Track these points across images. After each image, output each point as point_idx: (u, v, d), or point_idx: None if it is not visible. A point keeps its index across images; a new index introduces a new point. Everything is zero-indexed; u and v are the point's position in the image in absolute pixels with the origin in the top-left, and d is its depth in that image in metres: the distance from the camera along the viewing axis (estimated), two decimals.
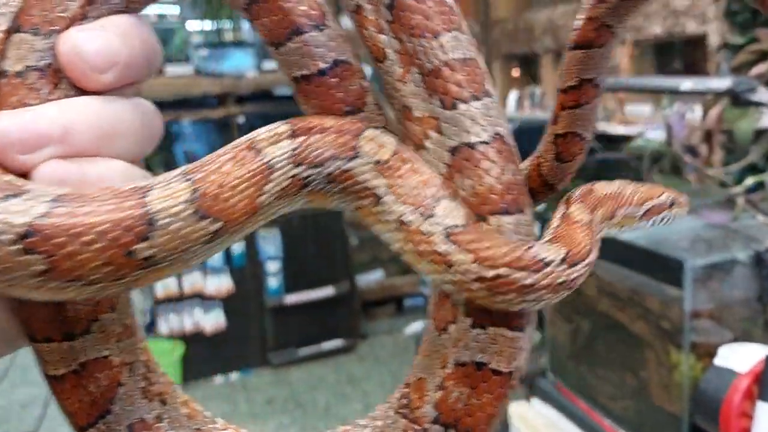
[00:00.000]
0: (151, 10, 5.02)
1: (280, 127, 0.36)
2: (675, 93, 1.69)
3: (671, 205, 0.44)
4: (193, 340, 3.84)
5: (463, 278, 0.36)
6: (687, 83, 1.51)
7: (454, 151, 0.37)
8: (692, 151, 1.77)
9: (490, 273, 0.35)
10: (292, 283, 4.05)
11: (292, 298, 4.05)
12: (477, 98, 0.37)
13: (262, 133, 0.36)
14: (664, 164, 1.84)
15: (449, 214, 0.36)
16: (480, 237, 0.36)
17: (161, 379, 0.42)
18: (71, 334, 0.37)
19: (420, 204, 0.36)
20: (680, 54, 3.53)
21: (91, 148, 0.34)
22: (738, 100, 1.40)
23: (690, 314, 1.41)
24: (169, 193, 0.33)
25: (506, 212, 0.37)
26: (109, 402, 0.39)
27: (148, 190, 0.33)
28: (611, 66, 3.42)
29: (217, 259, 3.91)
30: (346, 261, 4.24)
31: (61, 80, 0.35)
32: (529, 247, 0.36)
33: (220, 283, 3.93)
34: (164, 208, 0.33)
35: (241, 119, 4.23)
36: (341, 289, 4.14)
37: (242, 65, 4.29)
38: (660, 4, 3.18)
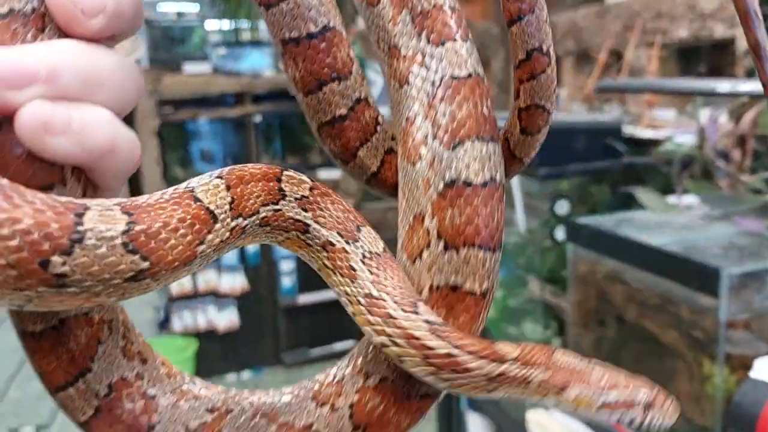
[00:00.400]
0: (171, 8, 5.03)
1: (214, 180, 0.37)
2: (711, 95, 1.64)
3: (647, 407, 0.40)
4: (207, 338, 3.83)
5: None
6: (724, 85, 1.46)
7: (437, 82, 0.40)
8: (725, 156, 1.72)
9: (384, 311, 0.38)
10: (305, 283, 4.03)
11: (305, 298, 4.03)
12: (464, 40, 0.40)
13: (200, 185, 0.36)
14: (695, 169, 1.80)
15: (370, 241, 0.40)
16: (392, 273, 0.39)
17: (139, 339, 0.41)
18: None
19: (344, 230, 0.40)
20: (705, 58, 3.47)
21: (77, 93, 0.33)
22: None
23: (725, 324, 1.36)
24: (107, 218, 0.32)
25: (481, 138, 0.40)
26: (90, 360, 0.38)
27: (87, 209, 0.32)
28: (638, 68, 3.36)
29: (231, 257, 3.90)
30: None
31: (47, 26, 0.34)
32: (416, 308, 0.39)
33: (235, 282, 3.91)
34: (96, 229, 0.31)
35: (257, 118, 4.22)
36: None
37: (259, 64, 4.28)
38: (687, 7, 3.12)
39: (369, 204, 4.28)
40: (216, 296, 3.90)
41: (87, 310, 0.38)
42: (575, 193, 2.17)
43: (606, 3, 3.61)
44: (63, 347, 0.38)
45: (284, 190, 0.39)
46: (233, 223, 0.36)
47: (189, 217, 0.34)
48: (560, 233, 2.04)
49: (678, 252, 1.47)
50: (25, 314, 0.37)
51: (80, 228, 0.30)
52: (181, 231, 0.34)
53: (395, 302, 0.38)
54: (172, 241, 0.33)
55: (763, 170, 1.69)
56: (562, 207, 2.06)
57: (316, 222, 0.40)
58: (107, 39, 0.35)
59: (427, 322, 0.38)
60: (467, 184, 0.39)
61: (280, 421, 0.41)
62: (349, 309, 0.40)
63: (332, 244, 0.40)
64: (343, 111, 0.43)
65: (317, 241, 0.40)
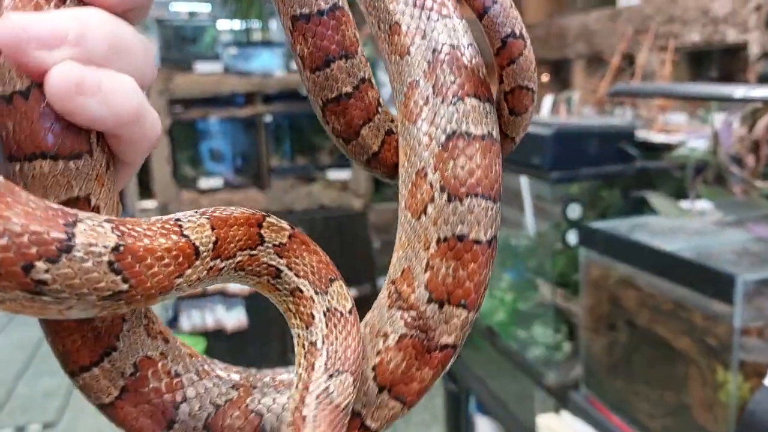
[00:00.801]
0: (183, 8, 5.05)
1: (201, 219, 0.37)
2: (726, 101, 1.63)
3: None
4: (215, 338, 3.84)
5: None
6: (740, 91, 1.45)
7: (438, 50, 0.43)
8: (738, 161, 1.71)
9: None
10: None
11: None
12: (459, 18, 0.43)
13: (187, 220, 0.37)
14: (708, 175, 1.79)
15: (339, 297, 0.42)
16: (345, 336, 0.41)
17: (159, 320, 0.42)
18: None
19: (316, 280, 0.42)
20: (717, 62, 3.45)
21: (103, 58, 0.34)
22: None
23: (739, 331, 1.35)
24: (99, 233, 0.31)
25: (479, 97, 0.42)
26: (115, 338, 0.38)
27: (79, 220, 0.31)
28: (649, 72, 3.34)
29: None
30: (369, 264, 4.21)
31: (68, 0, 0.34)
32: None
33: None
34: (86, 242, 0.31)
35: (268, 118, 4.22)
36: (363, 292, 4.12)
37: (270, 65, 4.29)
38: (699, 12, 3.11)
39: (378, 205, 4.28)
40: (224, 296, 3.91)
41: None
42: (587, 197, 2.16)
43: (618, 6, 3.59)
44: (88, 324, 0.37)
45: (263, 236, 0.40)
46: (212, 263, 0.37)
47: (175, 248, 0.34)
48: (572, 237, 2.03)
49: (692, 258, 1.46)
50: None
51: (70, 238, 0.30)
52: (165, 260, 0.34)
53: (325, 365, 0.39)
54: (155, 269, 0.33)
55: None
56: (574, 211, 2.05)
57: (289, 268, 0.41)
58: (124, 14, 0.35)
59: (324, 395, 0.38)
60: (467, 134, 0.41)
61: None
62: (296, 349, 0.41)
63: (300, 291, 0.41)
64: (349, 89, 0.44)
65: (287, 286, 0.41)
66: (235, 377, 0.43)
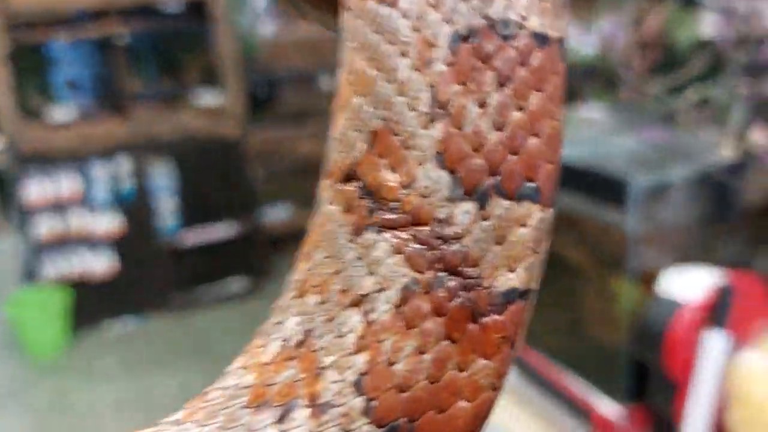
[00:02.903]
0: None
1: None
2: None
3: None
4: (83, 287, 3.49)
5: None
6: None
7: None
8: (628, 64, 1.63)
9: None
10: (190, 221, 3.74)
11: (191, 237, 3.75)
12: None
13: None
14: (598, 79, 1.71)
15: None
16: None
17: None
18: None
19: None
20: None
21: None
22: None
23: (632, 239, 1.29)
24: None
25: None
26: None
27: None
28: None
29: (105, 195, 3.54)
30: (251, 195, 3.96)
31: None
32: None
33: (110, 223, 3.56)
34: None
35: (125, 39, 3.77)
36: (245, 226, 3.88)
37: None
38: None
39: (258, 131, 3.99)
40: (90, 240, 3.55)
41: None
42: None
43: None
44: None
45: None
46: None
47: None
48: None
49: (582, 165, 1.37)
50: None
51: None
52: None
53: None
54: None
55: (666, 78, 1.61)
56: None
57: None
58: None
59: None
60: None
61: None
62: None
63: None
64: None
65: None
66: None
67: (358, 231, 0.21)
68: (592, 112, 1.70)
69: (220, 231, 3.81)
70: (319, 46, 4.07)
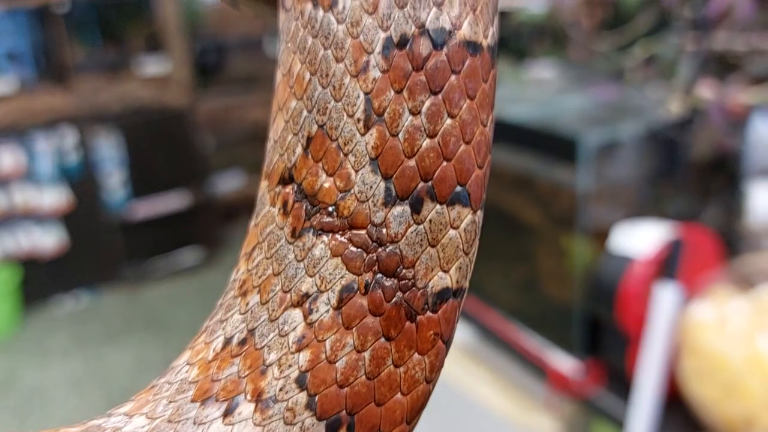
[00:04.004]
0: None
1: None
2: None
3: None
4: (32, 264, 3.39)
5: None
6: None
7: None
8: (576, 22, 1.63)
9: None
10: (140, 193, 3.64)
11: (141, 209, 3.66)
12: None
13: None
14: (547, 38, 1.70)
15: None
16: None
17: None
18: None
19: None
20: None
21: None
22: None
23: (583, 196, 1.30)
24: None
25: None
26: None
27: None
28: None
29: (50, 169, 3.41)
30: (201, 164, 3.87)
31: None
32: None
33: (56, 197, 3.45)
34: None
35: (65, 7, 3.60)
36: (197, 196, 3.80)
37: None
38: None
39: (207, 99, 3.89)
40: (37, 215, 3.43)
41: None
42: None
43: None
44: None
45: None
46: None
47: None
48: None
49: (534, 124, 1.37)
50: None
51: None
52: None
53: None
54: None
55: (614, 36, 1.61)
56: None
57: None
58: None
59: None
60: None
61: None
62: None
63: None
64: None
65: None
66: None
67: (296, 233, 0.21)
68: (542, 72, 1.69)
69: (171, 202, 3.72)
70: None
